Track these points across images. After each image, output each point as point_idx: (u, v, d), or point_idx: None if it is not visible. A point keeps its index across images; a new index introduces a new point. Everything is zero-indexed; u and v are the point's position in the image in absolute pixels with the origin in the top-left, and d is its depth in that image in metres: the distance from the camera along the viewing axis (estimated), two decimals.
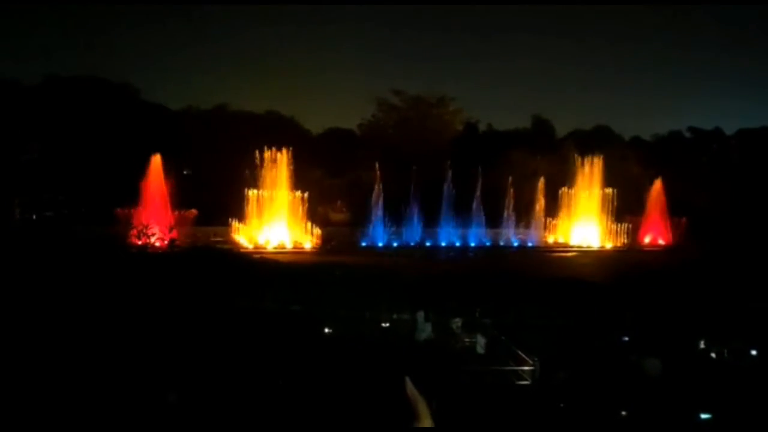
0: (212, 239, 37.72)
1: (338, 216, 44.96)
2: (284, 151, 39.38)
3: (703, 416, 12.44)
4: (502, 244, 40.74)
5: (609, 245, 41.92)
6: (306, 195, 39.24)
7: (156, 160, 37.24)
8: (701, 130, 61.49)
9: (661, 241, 42.82)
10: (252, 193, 38.97)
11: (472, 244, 39.97)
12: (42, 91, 49.49)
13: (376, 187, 42.02)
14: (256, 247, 36.71)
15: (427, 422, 3.16)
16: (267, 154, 39.47)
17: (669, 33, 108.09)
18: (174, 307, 15.12)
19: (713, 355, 17.12)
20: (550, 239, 42.80)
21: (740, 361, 16.77)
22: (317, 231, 39.24)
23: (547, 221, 42.92)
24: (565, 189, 43.68)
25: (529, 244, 40.72)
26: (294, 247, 37.35)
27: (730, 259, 30.50)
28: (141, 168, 37.23)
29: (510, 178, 42.00)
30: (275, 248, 36.79)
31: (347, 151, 45.78)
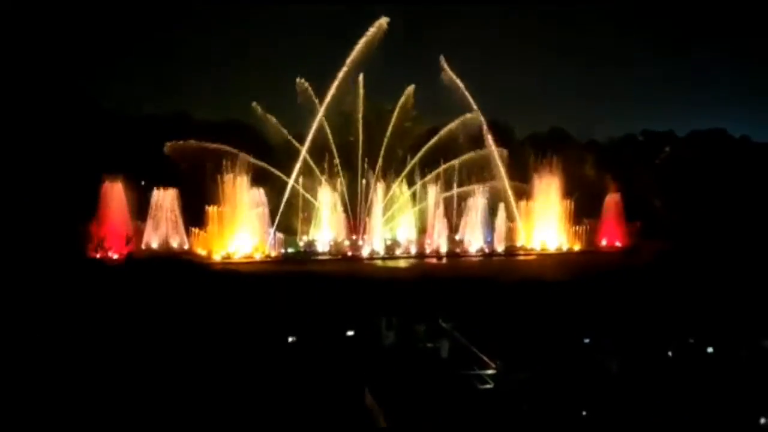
0: (172, 250, 37.16)
1: (301, 225, 44.66)
2: (244, 159, 38.84)
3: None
4: (459, 250, 41.06)
5: (567, 248, 42.69)
6: (266, 201, 38.78)
7: (113, 175, 36.45)
8: (654, 132, 62.99)
9: (617, 243, 43.76)
10: (213, 200, 38.28)
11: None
12: None
13: (337, 193, 42.11)
14: (214, 257, 36.20)
15: None
16: (227, 163, 38.88)
17: (623, 40, 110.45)
18: (127, 319, 14.89)
19: (670, 354, 17.58)
20: (510, 243, 43.18)
21: (695, 359, 17.25)
22: (280, 239, 38.96)
23: (507, 225, 43.34)
24: (525, 191, 44.27)
25: (487, 250, 41.17)
26: (251, 257, 36.91)
27: (683, 258, 31.39)
28: (98, 179, 36.42)
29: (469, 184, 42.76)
30: (238, 258, 36.35)
31: (309, 158, 45.48)
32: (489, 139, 44.00)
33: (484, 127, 44.07)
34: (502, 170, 43.97)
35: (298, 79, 43.61)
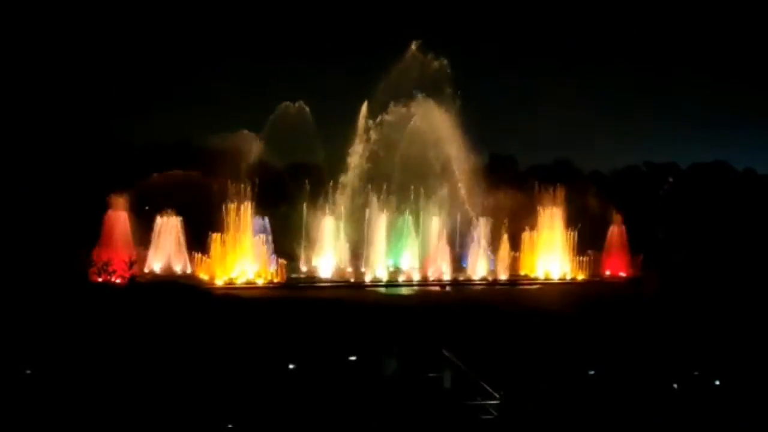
0: (175, 275, 37.10)
1: (304, 251, 44.61)
2: (247, 186, 38.95)
3: None
4: (463, 278, 40.95)
5: (571, 277, 42.55)
6: (269, 227, 38.85)
7: (117, 196, 36.67)
8: (657, 164, 63.23)
9: (621, 274, 43.63)
10: (216, 226, 38.29)
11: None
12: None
13: (340, 220, 42.14)
14: (218, 282, 36.11)
15: None
16: (231, 188, 38.97)
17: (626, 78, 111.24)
18: (128, 343, 14.82)
19: (675, 386, 17.37)
20: (513, 272, 43.01)
21: (703, 392, 17.04)
22: (282, 265, 38.83)
23: (511, 255, 43.25)
24: (528, 221, 44.28)
25: (490, 279, 41.08)
26: (254, 282, 36.80)
27: (687, 289, 31.26)
28: (102, 204, 36.59)
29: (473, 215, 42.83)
30: (240, 283, 36.27)
31: (312, 185, 45.67)
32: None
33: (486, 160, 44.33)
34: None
35: (298, 103, 44.16)
